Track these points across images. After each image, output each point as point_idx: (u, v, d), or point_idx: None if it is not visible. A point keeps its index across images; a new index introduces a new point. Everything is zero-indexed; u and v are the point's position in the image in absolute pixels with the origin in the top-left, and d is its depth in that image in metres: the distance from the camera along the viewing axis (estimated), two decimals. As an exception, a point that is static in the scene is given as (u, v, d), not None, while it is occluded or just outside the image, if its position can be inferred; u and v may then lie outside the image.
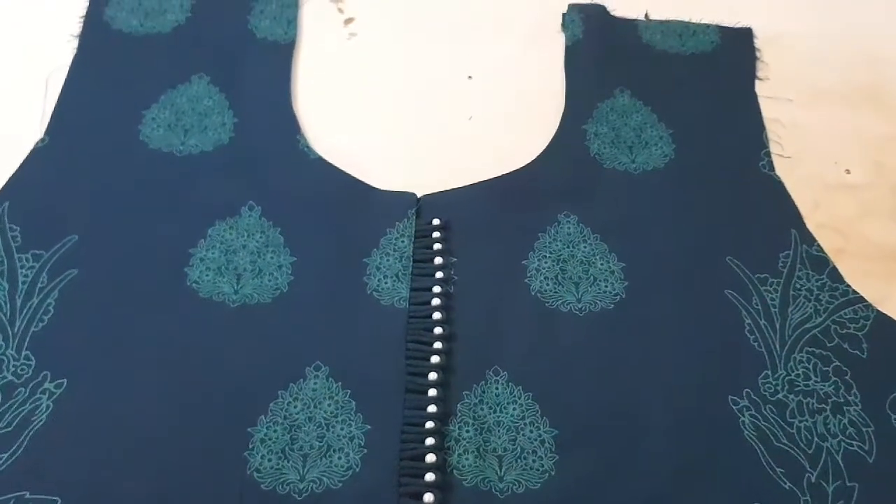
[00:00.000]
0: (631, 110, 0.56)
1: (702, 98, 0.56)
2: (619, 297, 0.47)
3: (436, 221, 0.49)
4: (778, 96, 0.57)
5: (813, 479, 0.41)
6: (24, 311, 0.44)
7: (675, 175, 0.53)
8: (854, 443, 0.42)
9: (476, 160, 0.53)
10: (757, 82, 0.58)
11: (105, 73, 0.56)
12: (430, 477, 0.40)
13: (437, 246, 0.48)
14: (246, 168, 0.52)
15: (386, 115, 0.57)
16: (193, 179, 0.51)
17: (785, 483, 0.40)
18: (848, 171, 0.54)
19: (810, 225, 0.50)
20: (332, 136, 0.55)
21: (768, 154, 0.53)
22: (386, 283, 0.47)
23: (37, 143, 0.52)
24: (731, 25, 0.61)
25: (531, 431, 0.42)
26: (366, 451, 0.41)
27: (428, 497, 0.39)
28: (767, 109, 0.56)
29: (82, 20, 0.59)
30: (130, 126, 0.53)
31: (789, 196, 0.51)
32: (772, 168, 0.53)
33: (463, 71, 0.59)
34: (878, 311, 0.46)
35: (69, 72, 0.56)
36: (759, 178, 0.52)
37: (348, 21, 0.62)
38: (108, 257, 0.47)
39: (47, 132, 0.52)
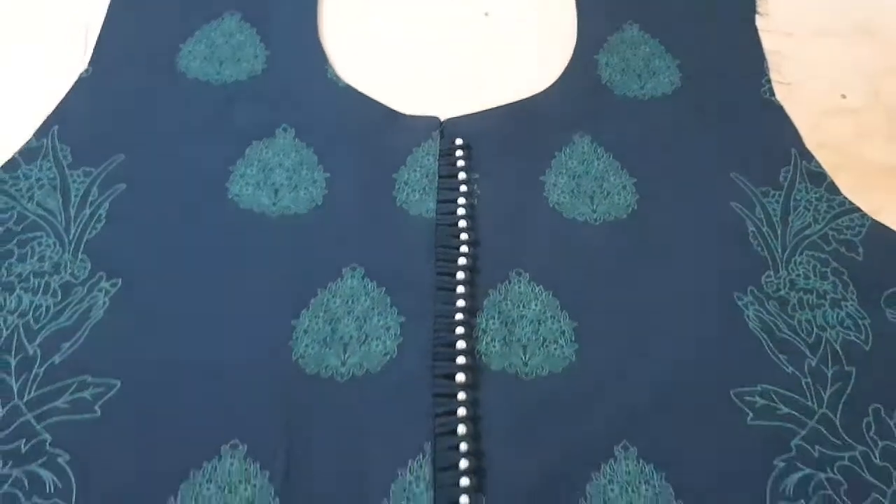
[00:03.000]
0: (639, 42, 0.59)
1: (706, 30, 0.60)
2: (631, 208, 0.50)
3: (458, 141, 0.52)
4: (777, 30, 0.60)
5: (813, 364, 0.44)
6: (78, 221, 0.48)
7: (682, 100, 0.56)
8: (851, 333, 0.45)
9: (494, 89, 0.57)
10: (757, 17, 0.61)
11: (141, 10, 0.59)
12: (461, 360, 0.43)
13: (460, 163, 0.51)
14: (279, 95, 0.55)
15: (408, 48, 0.60)
16: (230, 105, 0.54)
17: (787, 368, 0.44)
18: (844, 97, 0.57)
19: (809, 145, 0.53)
20: (357, 68, 0.58)
21: (769, 81, 0.57)
22: (414, 196, 0.50)
23: (81, 74, 0.55)
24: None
25: (552, 323, 0.45)
26: (401, 339, 0.44)
27: (460, 377, 0.42)
28: (767, 42, 0.59)
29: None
30: (168, 57, 0.57)
31: (789, 118, 0.54)
32: (772, 94, 0.56)
33: (480, 7, 0.63)
34: (873, 219, 0.49)
35: (108, 9, 0.59)
36: (761, 102, 0.56)
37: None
38: (153, 173, 0.50)
39: (90, 63, 0.56)
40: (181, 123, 0.53)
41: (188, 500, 0.38)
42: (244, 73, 0.56)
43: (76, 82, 0.54)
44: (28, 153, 0.51)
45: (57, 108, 0.53)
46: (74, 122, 0.52)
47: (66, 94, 0.54)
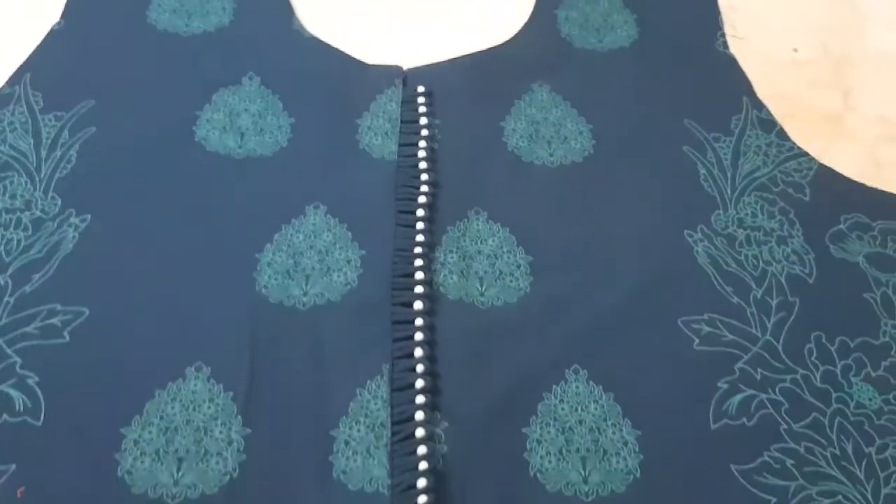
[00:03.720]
0: (598, -2, 0.61)
1: (663, -14, 0.62)
2: (587, 152, 0.52)
3: (420, 89, 0.54)
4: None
5: (759, 296, 0.45)
6: (49, 161, 0.49)
7: (639, 53, 0.58)
8: (796, 267, 0.47)
9: (457, 42, 0.58)
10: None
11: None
12: (419, 289, 0.44)
13: (422, 109, 0.53)
14: (245, 45, 0.56)
15: (373, 1, 0.62)
16: (198, 54, 0.56)
17: (733, 298, 0.45)
18: (795, 50, 0.59)
19: (761, 94, 0.55)
20: (322, 20, 0.59)
21: (723, 35, 0.59)
22: (377, 140, 0.51)
23: (53, 26, 0.56)
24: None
25: (509, 258, 0.47)
26: (362, 271, 0.46)
27: (418, 305, 0.44)
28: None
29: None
30: (139, 11, 0.58)
31: (741, 69, 0.56)
32: (726, 47, 0.58)
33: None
34: (819, 163, 0.51)
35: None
36: (715, 54, 0.58)
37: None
38: (123, 118, 0.52)
39: (63, 16, 0.57)
40: (150, 72, 0.54)
41: (153, 417, 0.40)
42: (212, 25, 0.58)
43: (48, 34, 0.56)
44: (0, 99, 0.52)
45: (29, 57, 0.54)
46: (46, 71, 0.54)
47: (39, 45, 0.55)
